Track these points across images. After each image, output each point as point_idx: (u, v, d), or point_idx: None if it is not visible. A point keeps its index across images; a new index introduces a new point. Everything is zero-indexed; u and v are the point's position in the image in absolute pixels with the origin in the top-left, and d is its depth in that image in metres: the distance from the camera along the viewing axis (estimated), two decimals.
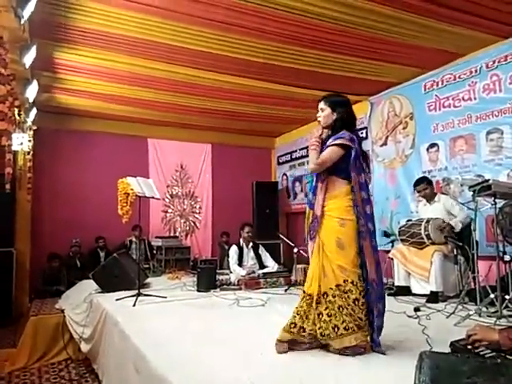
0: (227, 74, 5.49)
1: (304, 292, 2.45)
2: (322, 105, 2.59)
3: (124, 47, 4.67)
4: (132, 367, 2.53)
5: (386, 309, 2.42)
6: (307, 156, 7.97)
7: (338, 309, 2.30)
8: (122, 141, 7.55)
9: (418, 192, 4.57)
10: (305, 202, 8.03)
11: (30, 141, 6.08)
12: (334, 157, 2.40)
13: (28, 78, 4.94)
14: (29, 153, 6.23)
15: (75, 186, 7.10)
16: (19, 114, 5.46)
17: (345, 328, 2.27)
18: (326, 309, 2.33)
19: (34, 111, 5.92)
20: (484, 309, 3.20)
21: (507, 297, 3.13)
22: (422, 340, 2.50)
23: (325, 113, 2.56)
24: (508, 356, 1.49)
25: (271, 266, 5.48)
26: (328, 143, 2.47)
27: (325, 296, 2.35)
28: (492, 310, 3.19)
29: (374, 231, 2.44)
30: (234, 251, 5.48)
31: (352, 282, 2.33)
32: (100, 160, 7.33)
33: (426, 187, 4.45)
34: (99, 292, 4.49)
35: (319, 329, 2.32)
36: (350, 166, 2.38)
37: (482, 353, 1.57)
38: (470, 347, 1.69)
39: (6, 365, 4.28)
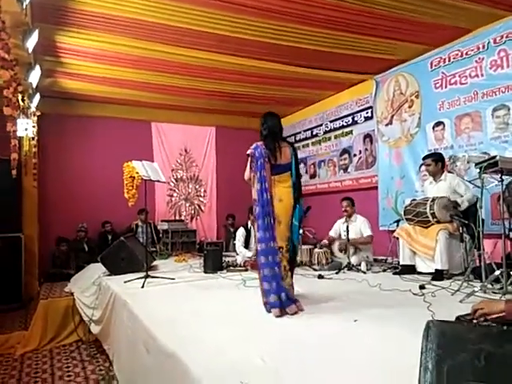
0: (231, 55, 5.44)
1: None
2: None
3: (127, 30, 4.63)
4: (142, 347, 2.58)
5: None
6: (311, 137, 7.99)
7: None
8: (126, 125, 7.55)
9: (424, 166, 4.57)
10: (309, 183, 8.06)
11: (34, 126, 6.08)
12: (248, 166, 3.04)
13: (31, 63, 4.91)
14: (33, 138, 6.24)
15: (80, 171, 7.15)
16: (23, 100, 5.44)
17: None
18: None
19: (37, 97, 5.91)
20: (489, 285, 3.21)
21: None
22: (428, 316, 2.51)
23: None
24: None
25: None
26: None
27: None
28: (497, 286, 3.20)
29: (268, 213, 2.87)
30: (240, 233, 5.52)
31: None
32: (104, 144, 7.35)
33: (429, 163, 4.40)
34: (107, 275, 4.54)
35: None
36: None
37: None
38: (475, 321, 1.71)
39: (18, 347, 4.38)
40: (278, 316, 2.65)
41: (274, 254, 2.82)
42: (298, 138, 8.44)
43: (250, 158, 3.01)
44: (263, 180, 2.92)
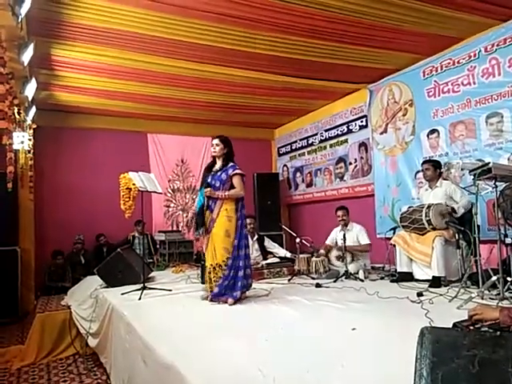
0: (226, 67, 5.49)
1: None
2: (216, 141, 3.64)
3: (122, 42, 4.67)
4: (140, 359, 2.56)
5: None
6: (307, 146, 8.03)
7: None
8: (122, 137, 7.57)
9: (422, 171, 4.61)
10: (306, 192, 8.10)
11: (30, 139, 6.08)
12: (243, 184, 3.61)
13: (26, 76, 4.93)
14: (29, 151, 6.24)
15: (77, 183, 7.13)
16: (19, 113, 5.46)
17: None
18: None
19: (33, 109, 5.92)
20: (486, 291, 3.22)
21: (509, 279, 3.14)
22: (426, 324, 2.51)
23: (219, 147, 3.62)
24: None
25: (283, 253, 5.58)
26: (231, 172, 3.56)
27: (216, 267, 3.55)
28: (494, 292, 3.21)
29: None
30: None
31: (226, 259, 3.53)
32: (100, 156, 7.35)
33: (428, 167, 4.44)
34: (104, 287, 4.51)
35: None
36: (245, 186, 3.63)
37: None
38: (472, 328, 1.71)
39: (15, 361, 4.32)
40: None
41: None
42: (294, 147, 8.49)
43: (243, 178, 3.59)
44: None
